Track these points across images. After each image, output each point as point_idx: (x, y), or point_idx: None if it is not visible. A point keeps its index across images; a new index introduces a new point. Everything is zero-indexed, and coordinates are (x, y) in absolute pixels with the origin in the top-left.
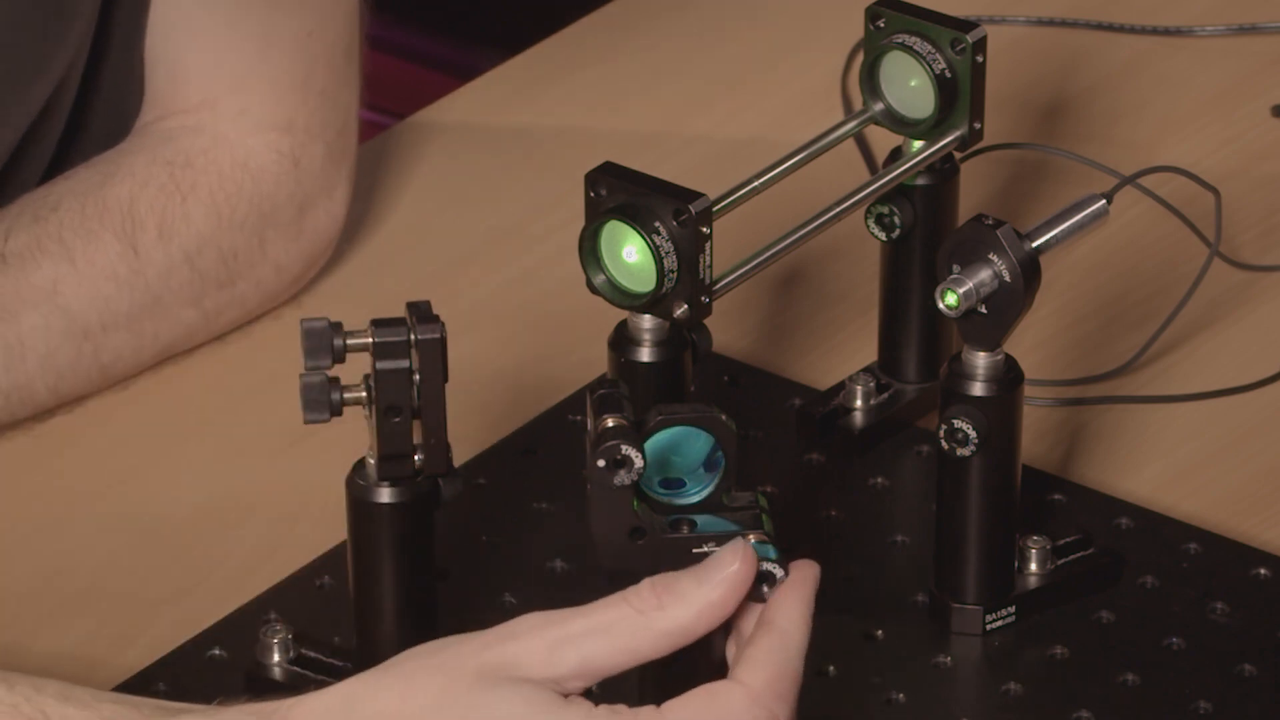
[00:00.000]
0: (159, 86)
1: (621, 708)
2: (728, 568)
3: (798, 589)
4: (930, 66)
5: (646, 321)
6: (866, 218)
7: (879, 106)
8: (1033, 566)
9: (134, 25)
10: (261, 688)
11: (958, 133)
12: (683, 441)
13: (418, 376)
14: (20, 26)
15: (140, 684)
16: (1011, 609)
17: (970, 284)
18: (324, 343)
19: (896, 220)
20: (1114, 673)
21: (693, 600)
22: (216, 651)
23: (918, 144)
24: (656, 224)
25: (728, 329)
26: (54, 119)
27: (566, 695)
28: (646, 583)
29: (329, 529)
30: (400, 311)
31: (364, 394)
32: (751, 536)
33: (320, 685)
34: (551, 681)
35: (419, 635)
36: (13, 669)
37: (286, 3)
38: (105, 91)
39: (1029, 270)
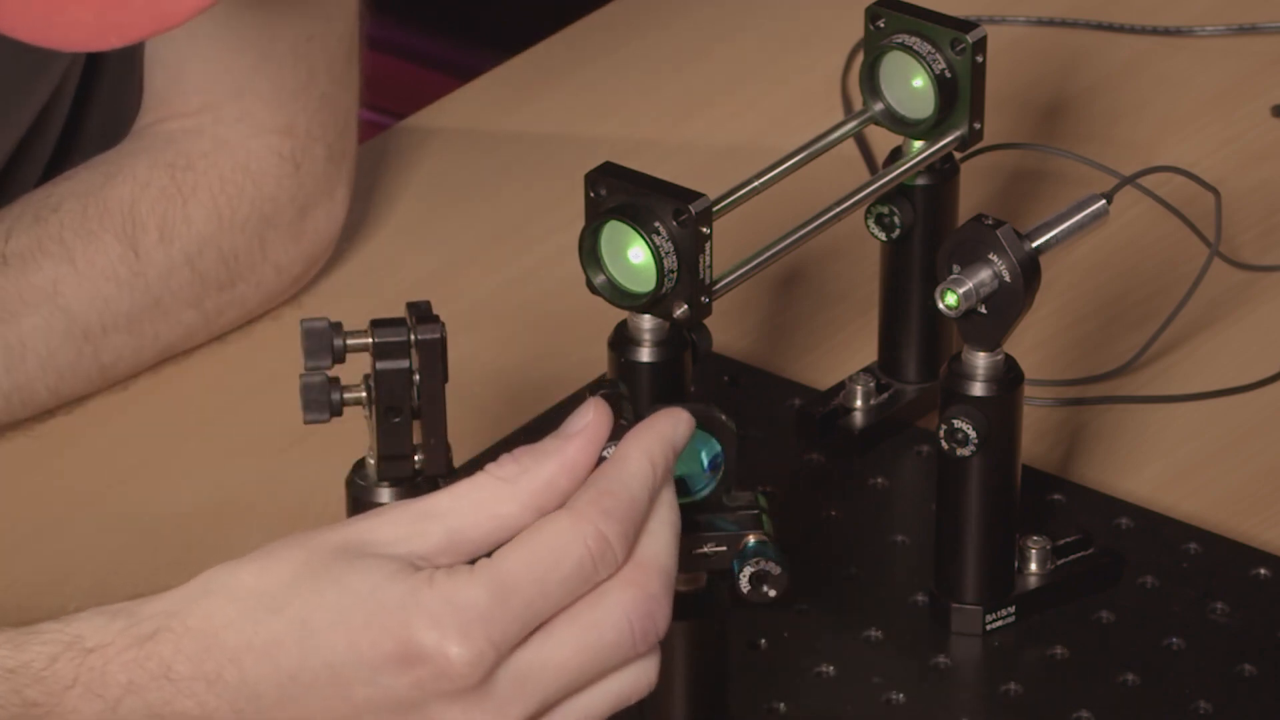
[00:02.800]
0: (159, 89)
1: (461, 566)
2: (582, 420)
3: (645, 426)
4: (930, 66)
5: (646, 321)
6: (866, 218)
7: (879, 106)
8: (1033, 566)
9: None
10: None
11: (958, 133)
12: None
13: (418, 376)
14: None
15: None
16: (1011, 609)
17: (970, 284)
18: (324, 343)
19: (896, 220)
20: (1114, 673)
21: (551, 456)
22: None
23: (918, 144)
24: (656, 224)
25: (728, 329)
26: (52, 121)
27: None
28: (505, 454)
29: None
30: (400, 311)
31: (364, 394)
32: (751, 536)
33: None
34: (417, 557)
35: None
36: None
37: (287, 7)
38: (103, 93)
39: (1029, 270)
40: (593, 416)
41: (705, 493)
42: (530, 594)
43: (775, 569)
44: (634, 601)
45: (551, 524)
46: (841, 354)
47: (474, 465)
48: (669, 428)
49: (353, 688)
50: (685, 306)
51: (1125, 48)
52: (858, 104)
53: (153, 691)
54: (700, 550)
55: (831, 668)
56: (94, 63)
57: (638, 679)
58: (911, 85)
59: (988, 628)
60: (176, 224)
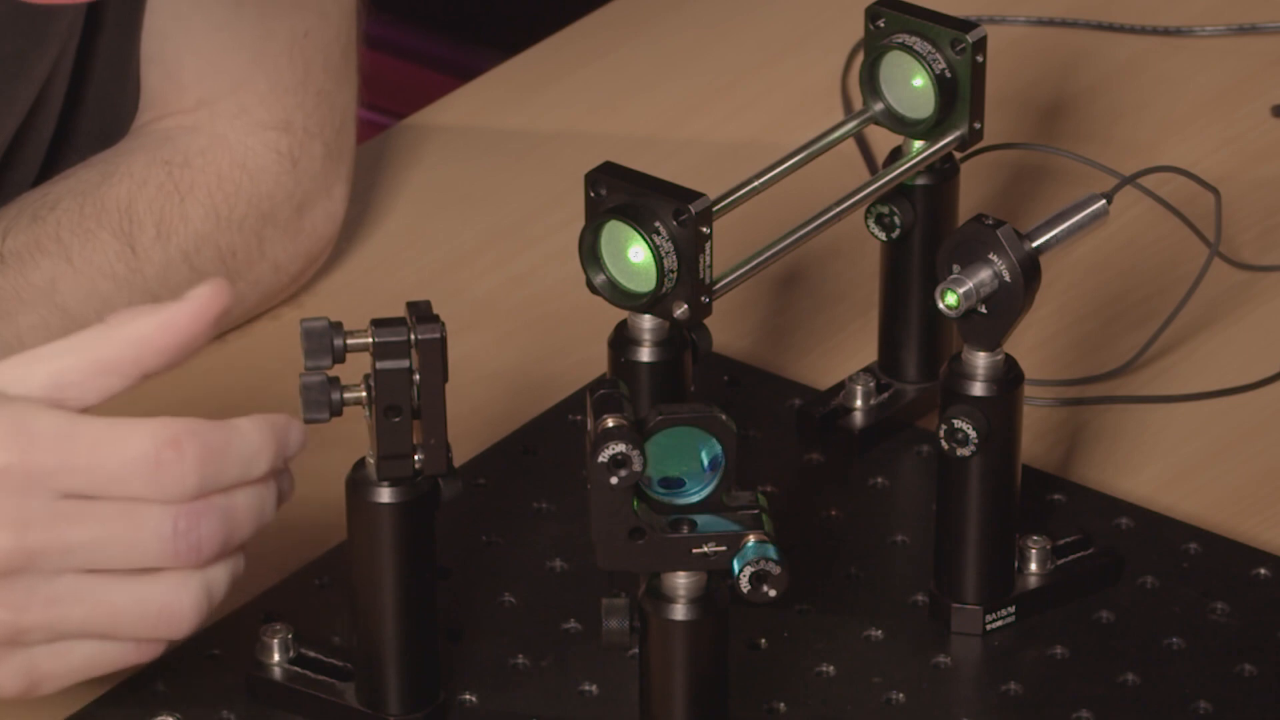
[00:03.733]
0: (155, 87)
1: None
2: (201, 290)
3: (271, 416)
4: (930, 66)
5: (646, 321)
6: (866, 218)
7: (879, 106)
8: (1033, 566)
9: (125, 24)
10: (261, 688)
11: (958, 133)
12: (683, 441)
13: (418, 376)
14: None
15: (140, 684)
16: (1011, 609)
17: (970, 284)
18: (324, 343)
19: (896, 220)
20: (1114, 673)
21: (157, 313)
22: (216, 651)
23: (918, 144)
24: (656, 224)
25: (728, 329)
26: (42, 120)
27: None
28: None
29: (329, 529)
30: (400, 311)
31: (364, 394)
32: (751, 537)
33: (320, 686)
34: (26, 399)
35: (419, 635)
36: None
37: (283, 3)
38: (96, 91)
39: (1029, 270)
40: (209, 289)
41: (705, 493)
42: (84, 450)
43: (775, 569)
44: (185, 516)
45: (143, 422)
46: (841, 354)
47: (474, 465)
48: (286, 427)
49: None
50: (685, 306)
51: (1125, 48)
52: (858, 104)
53: None
54: (700, 550)
55: (831, 668)
56: (85, 62)
57: (177, 593)
58: (911, 85)
59: (988, 628)
60: (174, 221)
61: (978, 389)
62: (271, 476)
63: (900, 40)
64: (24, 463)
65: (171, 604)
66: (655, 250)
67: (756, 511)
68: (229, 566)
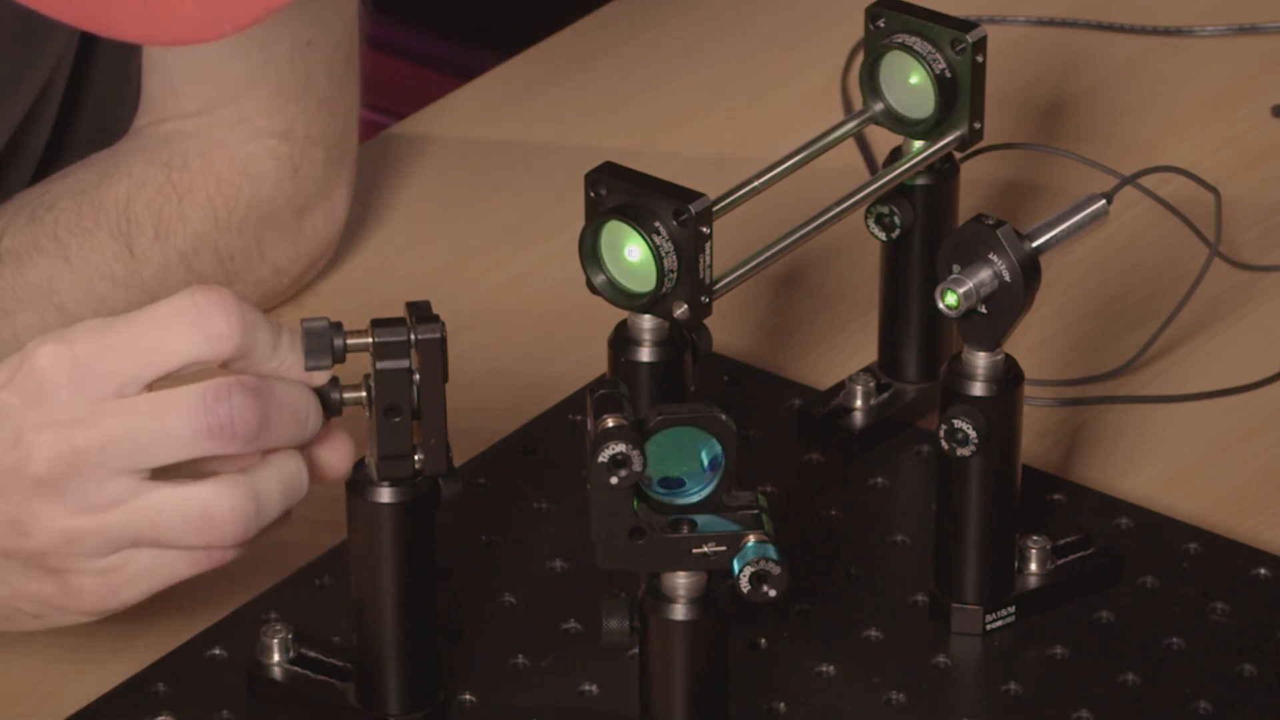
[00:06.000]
0: (155, 92)
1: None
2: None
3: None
4: (930, 66)
5: (646, 321)
6: (866, 218)
7: (879, 106)
8: (1033, 566)
9: None
10: (261, 688)
11: (958, 133)
12: (683, 441)
13: (418, 376)
14: None
15: (140, 684)
16: (1011, 609)
17: (970, 284)
18: (324, 343)
19: (896, 220)
20: (1114, 673)
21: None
22: (216, 651)
23: (918, 144)
24: (656, 224)
25: (728, 329)
26: (39, 124)
27: None
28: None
29: (329, 529)
30: (400, 311)
31: (364, 394)
32: (751, 537)
33: (320, 685)
34: None
35: (419, 635)
36: (12, 669)
37: (285, 11)
38: (95, 95)
39: (1029, 270)
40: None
41: (705, 493)
42: (129, 360)
43: (775, 569)
44: (213, 388)
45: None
46: (841, 354)
47: (474, 465)
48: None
49: None
50: (685, 306)
51: (1125, 48)
52: (858, 104)
53: None
54: (700, 550)
55: (831, 668)
56: (83, 68)
57: (218, 496)
58: (911, 85)
59: (988, 628)
60: (172, 223)
61: (978, 389)
62: (306, 386)
63: (900, 40)
64: (72, 356)
65: (212, 506)
66: (655, 250)
67: (756, 511)
68: (278, 474)
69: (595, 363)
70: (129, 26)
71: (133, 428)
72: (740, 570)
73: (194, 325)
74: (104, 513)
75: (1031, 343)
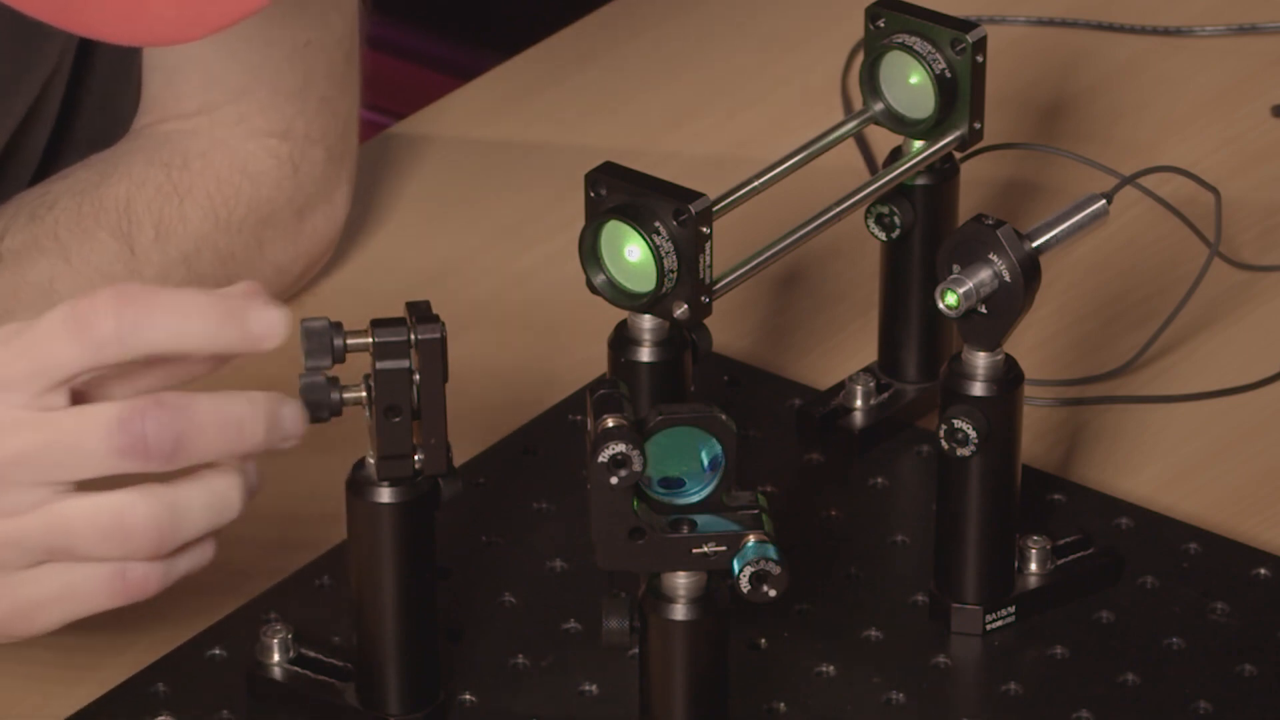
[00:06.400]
0: (155, 93)
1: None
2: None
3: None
4: (930, 66)
5: (646, 321)
6: (866, 218)
7: (879, 106)
8: (1033, 566)
9: None
10: (261, 688)
11: (958, 133)
12: (683, 441)
13: (418, 376)
14: None
15: (140, 684)
16: (1011, 609)
17: (970, 284)
18: (324, 343)
19: (896, 220)
20: (1114, 673)
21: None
22: (216, 651)
23: (918, 144)
24: (656, 224)
25: (728, 329)
26: (39, 124)
27: None
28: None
29: (329, 529)
30: (400, 311)
31: (364, 394)
32: (751, 537)
33: (320, 685)
34: None
35: (419, 635)
36: (12, 669)
37: (285, 11)
38: (95, 96)
39: (1029, 270)
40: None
41: (705, 493)
42: (25, 371)
43: (775, 569)
44: (129, 409)
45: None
46: (841, 354)
47: (474, 465)
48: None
49: None
50: (685, 306)
51: (1125, 48)
52: (858, 104)
53: None
54: (700, 550)
55: (831, 668)
56: (83, 67)
57: (132, 504)
58: (911, 85)
59: (988, 628)
60: (173, 223)
61: (978, 389)
62: (249, 397)
63: (900, 40)
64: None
65: (125, 514)
66: (655, 250)
67: (756, 511)
68: (204, 490)
69: (595, 363)
70: (107, 26)
71: (47, 442)
72: (740, 570)
73: (74, 335)
74: (15, 518)
75: (1031, 343)
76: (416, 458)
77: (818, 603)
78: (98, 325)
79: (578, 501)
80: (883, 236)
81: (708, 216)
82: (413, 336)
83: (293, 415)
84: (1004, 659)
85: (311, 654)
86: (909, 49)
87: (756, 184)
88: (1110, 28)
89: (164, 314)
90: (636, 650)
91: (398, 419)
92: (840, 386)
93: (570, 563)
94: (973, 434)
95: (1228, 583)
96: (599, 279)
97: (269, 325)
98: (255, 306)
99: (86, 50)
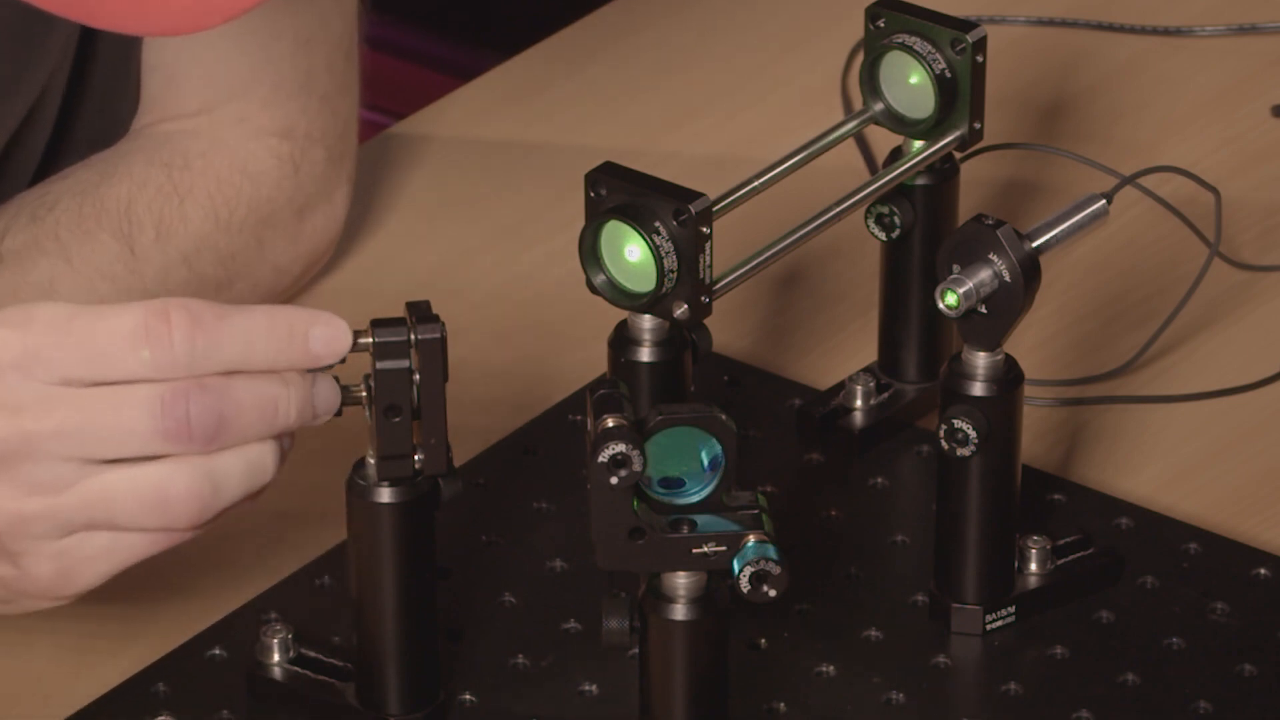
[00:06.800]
0: (155, 92)
1: None
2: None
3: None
4: (930, 66)
5: (646, 321)
6: (866, 218)
7: (879, 106)
8: (1033, 566)
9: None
10: (261, 688)
11: (958, 133)
12: (683, 441)
13: (418, 376)
14: None
15: (140, 684)
16: (1011, 609)
17: (970, 284)
18: None
19: (896, 220)
20: (1114, 673)
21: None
22: (216, 651)
23: (918, 144)
24: (656, 224)
25: (728, 329)
26: (39, 124)
27: None
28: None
29: (329, 529)
30: (400, 311)
31: (364, 394)
32: (751, 537)
33: (320, 685)
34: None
35: (419, 635)
36: (12, 669)
37: (284, 9)
38: (95, 96)
39: (1029, 270)
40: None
41: (705, 493)
42: (78, 329)
43: (775, 569)
44: (171, 391)
45: (138, 302)
46: (841, 354)
47: (474, 465)
48: (302, 324)
49: None
50: (685, 306)
51: (1125, 48)
52: (858, 104)
53: None
54: (700, 550)
55: (831, 668)
56: (83, 67)
57: (172, 476)
58: (911, 85)
59: (988, 628)
60: (173, 223)
61: (978, 389)
62: (284, 378)
63: (900, 40)
64: (22, 344)
65: (166, 487)
66: (655, 250)
67: (756, 511)
68: (241, 459)
69: (595, 363)
70: (117, 16)
71: (88, 420)
72: (740, 570)
73: (142, 347)
74: (56, 495)
75: (1031, 343)
76: (416, 458)
77: (818, 603)
78: (169, 347)
79: (578, 501)
80: (883, 236)
81: (708, 216)
82: (413, 336)
83: (326, 394)
84: (1004, 659)
85: (311, 654)
86: (909, 49)
87: (756, 184)
88: (1110, 28)
89: (231, 341)
90: (636, 650)
91: (398, 419)
92: (840, 386)
93: (570, 563)
94: (973, 434)
95: (1228, 583)
96: (599, 279)
97: (328, 343)
98: (318, 324)
99: (86, 50)
